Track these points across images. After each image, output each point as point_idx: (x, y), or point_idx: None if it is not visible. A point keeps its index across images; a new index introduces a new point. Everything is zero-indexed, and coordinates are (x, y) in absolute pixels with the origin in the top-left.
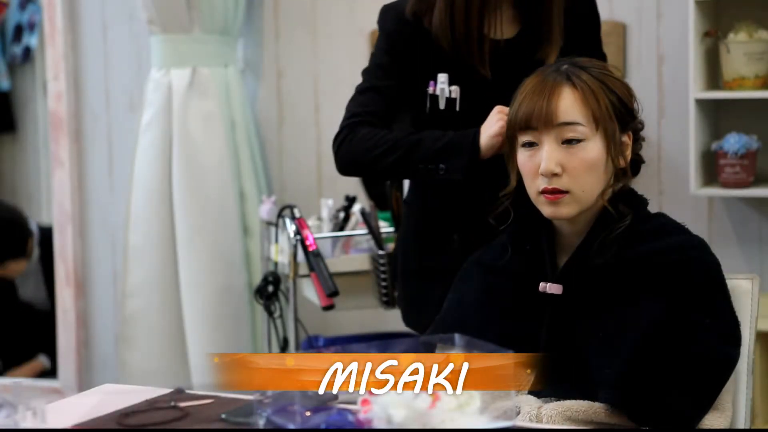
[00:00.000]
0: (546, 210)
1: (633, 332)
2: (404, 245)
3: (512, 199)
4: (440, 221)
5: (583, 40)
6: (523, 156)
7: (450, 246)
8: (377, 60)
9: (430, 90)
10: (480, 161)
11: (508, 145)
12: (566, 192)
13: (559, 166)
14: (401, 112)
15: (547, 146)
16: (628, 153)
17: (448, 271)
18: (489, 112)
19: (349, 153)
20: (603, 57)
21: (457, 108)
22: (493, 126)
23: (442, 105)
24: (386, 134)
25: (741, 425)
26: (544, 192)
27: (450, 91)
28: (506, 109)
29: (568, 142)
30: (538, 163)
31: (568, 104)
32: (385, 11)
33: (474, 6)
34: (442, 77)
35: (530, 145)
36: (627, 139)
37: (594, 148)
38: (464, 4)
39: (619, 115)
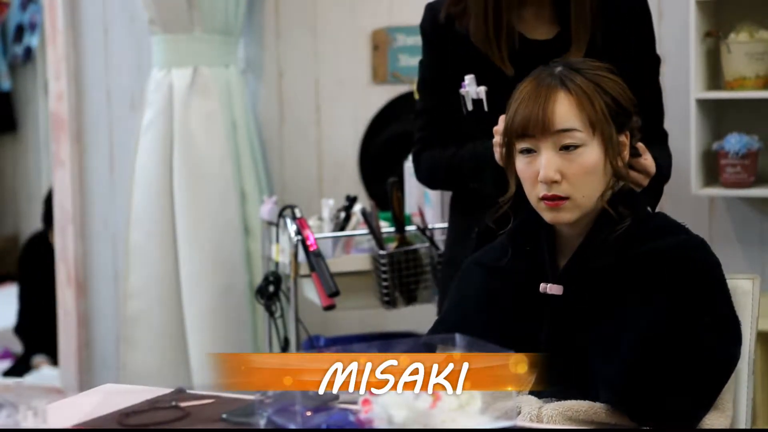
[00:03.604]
0: (547, 216)
1: (633, 332)
2: (445, 235)
3: (512, 200)
4: (466, 214)
5: (629, 41)
6: (521, 163)
7: (471, 239)
8: (423, 73)
9: (462, 91)
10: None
11: (505, 151)
12: (566, 198)
13: (558, 173)
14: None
15: (545, 153)
16: (626, 153)
17: None
18: None
19: (421, 179)
20: (656, 59)
21: (486, 108)
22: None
23: (469, 106)
24: (440, 157)
25: (742, 426)
26: (544, 199)
27: (477, 92)
28: None
29: (566, 148)
30: (537, 170)
31: (564, 110)
32: (426, 10)
33: (503, 3)
34: (468, 78)
35: (528, 151)
36: (625, 138)
37: (592, 153)
38: (494, 2)
39: (614, 116)
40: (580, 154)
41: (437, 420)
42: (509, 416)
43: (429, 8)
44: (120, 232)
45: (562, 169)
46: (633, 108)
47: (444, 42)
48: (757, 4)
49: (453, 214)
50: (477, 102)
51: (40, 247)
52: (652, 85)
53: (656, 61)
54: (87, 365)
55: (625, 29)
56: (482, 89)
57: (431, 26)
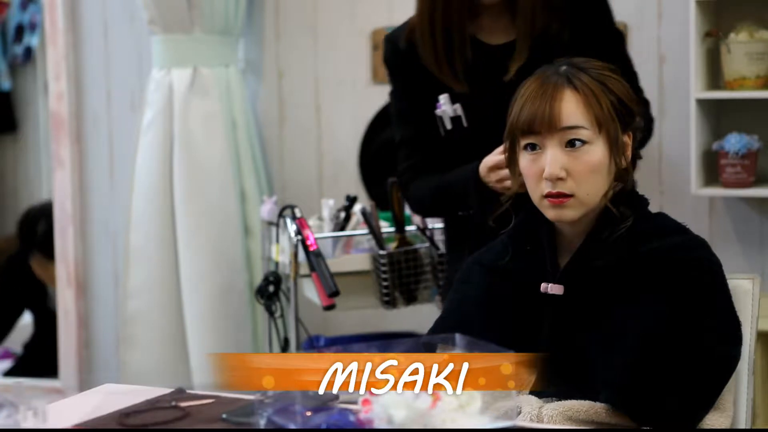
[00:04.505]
0: (550, 213)
1: (634, 332)
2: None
3: (513, 199)
4: (463, 221)
5: (591, 30)
6: (525, 160)
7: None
8: (395, 105)
9: (438, 112)
10: (488, 192)
11: (508, 148)
12: (571, 196)
13: (564, 171)
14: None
15: (550, 150)
16: (629, 153)
17: None
18: (492, 120)
19: (411, 206)
20: (618, 35)
21: (465, 123)
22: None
23: (448, 125)
24: (425, 186)
25: (742, 425)
26: (548, 196)
27: (454, 110)
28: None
29: (572, 145)
30: (542, 167)
31: (571, 108)
32: (385, 42)
33: (454, 7)
34: (443, 98)
35: (532, 148)
36: (627, 138)
37: (597, 151)
38: (443, 5)
39: (619, 115)
40: (585, 151)
41: (437, 420)
42: (509, 416)
43: (388, 40)
44: (120, 233)
45: (568, 166)
46: (636, 108)
47: (409, 70)
48: (757, 4)
49: (453, 218)
50: (455, 119)
51: (17, 271)
52: (622, 58)
53: (619, 35)
54: (87, 365)
55: (584, 21)
56: (458, 106)
57: (393, 57)
